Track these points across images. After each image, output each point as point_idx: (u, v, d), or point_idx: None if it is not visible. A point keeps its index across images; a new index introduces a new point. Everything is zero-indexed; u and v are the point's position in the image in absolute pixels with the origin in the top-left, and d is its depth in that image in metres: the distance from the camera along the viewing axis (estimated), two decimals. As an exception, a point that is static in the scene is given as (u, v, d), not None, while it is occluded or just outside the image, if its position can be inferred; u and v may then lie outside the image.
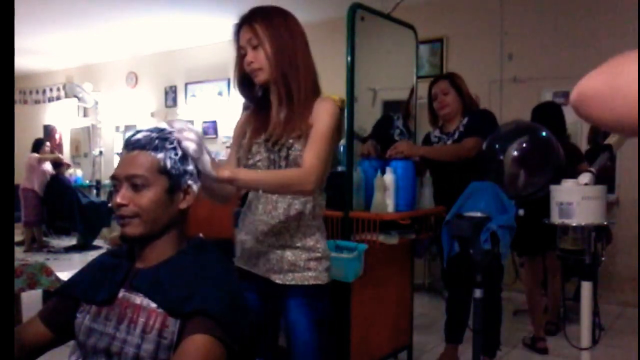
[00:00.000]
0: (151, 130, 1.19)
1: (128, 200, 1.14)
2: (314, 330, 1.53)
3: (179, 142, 1.19)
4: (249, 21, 1.50)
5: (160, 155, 1.16)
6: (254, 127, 1.57)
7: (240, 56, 1.54)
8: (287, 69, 1.48)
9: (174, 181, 1.18)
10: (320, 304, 1.55)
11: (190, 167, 1.21)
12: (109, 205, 1.36)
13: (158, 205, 1.16)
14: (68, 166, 7.54)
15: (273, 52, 1.47)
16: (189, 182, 1.21)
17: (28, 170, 6.77)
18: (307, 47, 1.54)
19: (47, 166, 6.91)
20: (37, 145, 6.98)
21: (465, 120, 2.84)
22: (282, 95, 1.50)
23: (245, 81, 1.58)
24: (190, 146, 1.18)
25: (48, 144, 7.26)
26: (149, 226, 1.16)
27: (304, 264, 1.52)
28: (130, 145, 1.18)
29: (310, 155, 1.43)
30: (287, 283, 1.52)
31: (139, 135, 1.18)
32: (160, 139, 1.17)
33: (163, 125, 1.22)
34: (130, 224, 1.15)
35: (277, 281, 1.53)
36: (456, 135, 2.82)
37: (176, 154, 1.18)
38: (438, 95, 2.87)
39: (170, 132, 1.20)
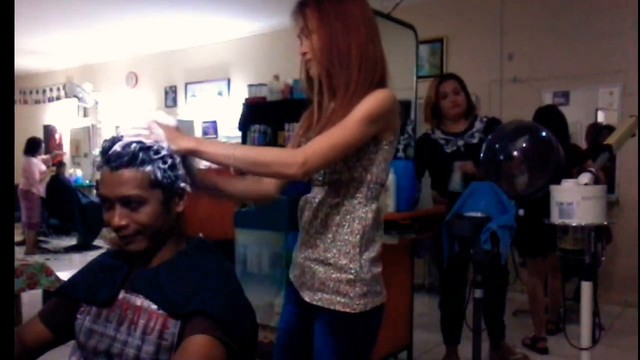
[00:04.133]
0: (129, 140, 1.11)
1: (127, 221, 1.11)
2: None
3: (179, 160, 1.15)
4: (301, 6, 1.33)
5: (149, 169, 1.10)
6: (306, 124, 1.40)
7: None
8: (335, 60, 1.29)
9: (168, 191, 1.14)
10: (348, 335, 1.32)
11: (181, 171, 1.17)
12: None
13: (158, 218, 1.13)
14: (60, 160, 7.41)
15: (320, 42, 1.29)
16: (182, 185, 1.17)
17: (26, 172, 6.66)
18: (367, 34, 1.31)
19: (42, 166, 6.88)
20: (32, 146, 6.81)
21: (479, 124, 2.81)
22: (328, 87, 1.32)
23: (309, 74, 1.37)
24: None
25: (42, 143, 7.16)
26: (153, 239, 1.15)
27: (333, 284, 1.30)
28: (113, 162, 1.09)
29: (319, 139, 1.23)
30: (315, 303, 1.32)
31: (118, 148, 1.10)
32: (143, 150, 1.11)
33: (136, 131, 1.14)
34: (134, 242, 1.13)
35: (306, 298, 1.34)
36: (476, 139, 2.77)
37: (165, 162, 1.13)
38: (448, 94, 2.82)
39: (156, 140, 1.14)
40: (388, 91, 1.30)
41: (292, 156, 1.19)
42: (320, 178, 1.33)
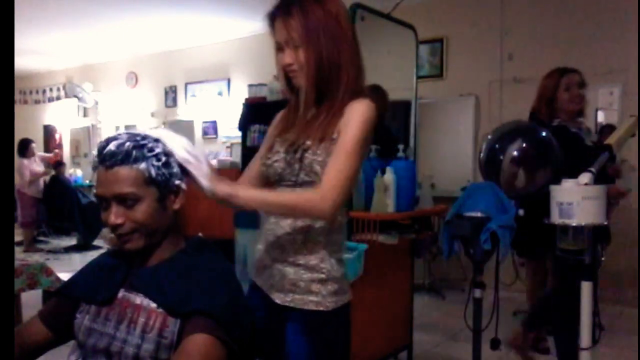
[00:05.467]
0: (123, 140, 1.12)
1: (123, 219, 1.11)
2: None
3: (174, 158, 1.15)
4: (285, 14, 1.31)
5: (143, 166, 1.11)
6: (282, 126, 1.42)
7: (276, 49, 1.36)
8: (324, 74, 1.30)
9: (162, 188, 1.14)
10: (322, 333, 1.33)
11: (175, 169, 1.17)
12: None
13: (154, 216, 1.13)
14: (57, 160, 7.40)
15: (310, 57, 1.29)
16: (177, 182, 1.17)
17: (18, 173, 6.66)
18: (353, 45, 1.35)
19: (35, 166, 6.86)
20: (21, 147, 6.80)
21: (584, 120, 2.64)
22: (309, 98, 1.33)
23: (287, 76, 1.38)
24: (188, 162, 1.16)
25: (34, 144, 7.11)
26: (150, 237, 1.15)
27: (305, 285, 1.31)
28: (107, 160, 1.10)
29: (332, 174, 1.24)
30: (286, 304, 1.32)
31: (112, 147, 1.11)
32: (137, 148, 1.11)
33: (137, 130, 1.16)
34: (131, 240, 1.14)
35: (277, 300, 1.34)
36: (595, 138, 2.62)
37: (158, 160, 1.13)
38: (572, 87, 2.56)
39: (144, 137, 1.14)
40: (372, 105, 1.32)
41: (320, 201, 1.22)
42: (292, 179, 1.33)
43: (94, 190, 1.15)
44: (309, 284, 1.31)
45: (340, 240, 1.39)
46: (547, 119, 2.61)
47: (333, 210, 1.23)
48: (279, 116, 1.48)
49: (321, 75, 1.30)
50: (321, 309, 1.30)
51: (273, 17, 1.34)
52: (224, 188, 1.20)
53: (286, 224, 1.34)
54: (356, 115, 1.28)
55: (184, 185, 1.19)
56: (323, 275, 1.32)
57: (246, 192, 1.25)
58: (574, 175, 2.32)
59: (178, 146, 1.18)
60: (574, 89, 2.55)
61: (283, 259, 1.34)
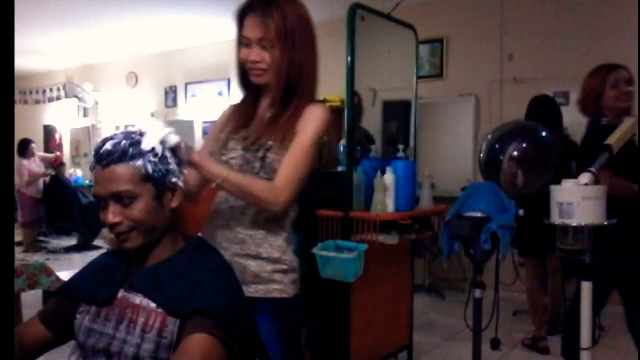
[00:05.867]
0: (119, 139, 1.12)
1: (120, 218, 1.11)
2: (283, 346, 1.41)
3: (163, 141, 1.16)
4: (263, 14, 1.35)
5: (140, 163, 1.11)
6: (236, 122, 1.47)
7: (242, 44, 1.39)
8: (292, 77, 1.38)
9: (159, 185, 1.14)
10: (287, 318, 1.43)
11: (172, 166, 1.17)
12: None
13: (151, 213, 1.13)
14: (59, 161, 7.41)
15: (283, 60, 1.36)
16: (173, 179, 1.17)
17: (17, 173, 6.69)
18: (316, 52, 1.43)
19: (35, 167, 6.85)
20: (20, 147, 6.82)
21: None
22: (277, 98, 1.40)
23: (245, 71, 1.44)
24: (173, 139, 1.17)
25: (34, 145, 7.12)
26: (148, 235, 1.15)
27: (267, 275, 1.39)
28: (104, 159, 1.10)
29: (287, 170, 1.34)
30: (250, 295, 1.36)
31: (109, 146, 1.11)
32: (133, 146, 1.12)
33: (133, 128, 1.16)
34: (129, 238, 1.14)
35: None
36: None
37: (155, 156, 1.14)
38: (620, 84, 2.42)
39: (140, 134, 1.14)
40: (327, 109, 1.43)
41: (275, 194, 1.32)
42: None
43: (92, 191, 1.15)
44: (272, 274, 1.40)
45: (293, 233, 1.48)
46: (594, 118, 2.50)
47: (287, 202, 1.34)
48: (228, 111, 1.54)
49: (291, 77, 1.38)
50: (285, 296, 1.40)
51: (245, 13, 1.38)
52: (195, 156, 1.26)
53: (245, 221, 1.40)
54: (314, 118, 1.38)
55: (181, 183, 1.20)
56: (285, 266, 1.42)
57: (213, 166, 1.31)
58: (630, 177, 2.26)
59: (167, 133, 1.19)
60: (621, 85, 2.44)
61: (243, 253, 1.40)
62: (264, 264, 1.39)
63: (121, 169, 1.10)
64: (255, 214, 1.39)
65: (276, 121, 1.39)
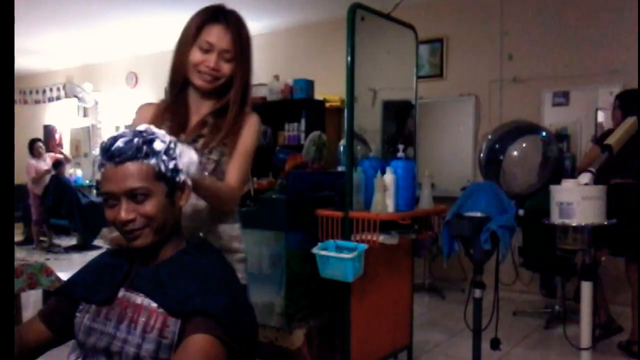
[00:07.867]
0: (130, 136, 1.12)
1: (134, 215, 1.11)
2: None
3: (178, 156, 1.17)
4: (227, 28, 1.46)
5: (153, 162, 1.12)
6: (172, 123, 1.50)
7: (199, 48, 1.46)
8: (246, 87, 1.53)
9: (171, 183, 1.15)
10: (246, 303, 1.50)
11: (180, 165, 1.18)
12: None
13: (163, 211, 1.14)
14: (66, 157, 7.46)
15: (239, 74, 1.50)
16: (182, 177, 1.18)
17: (25, 171, 6.88)
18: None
19: (44, 165, 6.91)
20: (29, 146, 7.02)
21: None
22: (236, 108, 1.51)
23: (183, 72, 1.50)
24: (192, 163, 1.21)
25: (41, 144, 7.18)
26: (159, 232, 1.15)
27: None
28: (116, 156, 1.10)
29: (236, 173, 1.48)
30: None
31: (120, 144, 1.11)
32: (146, 144, 1.12)
33: (141, 127, 1.16)
34: (141, 235, 1.13)
35: None
36: None
37: (167, 155, 1.14)
38: None
39: (152, 133, 1.15)
40: (259, 119, 1.56)
41: (232, 195, 1.47)
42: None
43: (101, 188, 1.15)
44: (231, 263, 1.44)
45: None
46: None
47: (238, 200, 1.54)
48: (152, 110, 1.57)
49: (238, 87, 1.51)
50: (244, 282, 1.53)
51: (208, 21, 1.46)
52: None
53: (204, 217, 1.49)
54: (252, 125, 1.53)
55: (189, 182, 1.20)
56: (242, 255, 1.57)
57: (205, 177, 1.37)
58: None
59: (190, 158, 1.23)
60: None
61: (218, 245, 1.47)
62: (225, 254, 1.43)
63: (135, 167, 1.10)
64: (211, 210, 1.49)
65: (228, 127, 1.50)
